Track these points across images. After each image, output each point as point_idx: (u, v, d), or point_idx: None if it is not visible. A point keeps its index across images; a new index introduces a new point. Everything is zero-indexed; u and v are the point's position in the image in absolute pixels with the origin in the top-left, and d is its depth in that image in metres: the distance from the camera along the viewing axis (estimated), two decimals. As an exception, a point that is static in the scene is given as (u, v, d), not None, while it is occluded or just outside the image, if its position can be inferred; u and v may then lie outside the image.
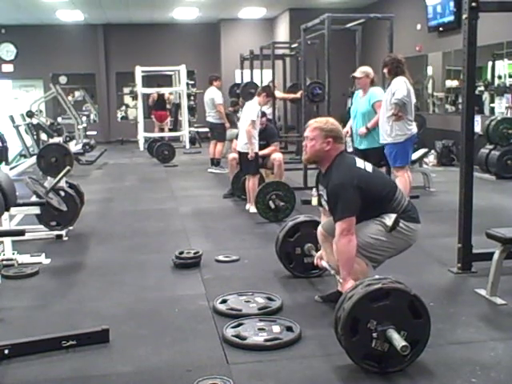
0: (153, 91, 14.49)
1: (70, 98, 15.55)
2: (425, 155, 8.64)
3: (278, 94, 11.22)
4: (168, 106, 14.89)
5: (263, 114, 7.13)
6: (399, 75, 5.89)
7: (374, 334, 2.76)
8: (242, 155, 6.72)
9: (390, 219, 3.33)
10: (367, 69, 6.37)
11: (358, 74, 6.35)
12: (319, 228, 3.71)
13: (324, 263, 3.75)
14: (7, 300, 4.01)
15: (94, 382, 2.88)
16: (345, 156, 3.46)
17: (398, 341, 2.70)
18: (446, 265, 4.45)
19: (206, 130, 14.30)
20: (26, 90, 16.92)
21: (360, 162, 3.46)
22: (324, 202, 3.51)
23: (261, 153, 6.83)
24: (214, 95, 10.15)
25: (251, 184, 6.54)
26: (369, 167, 3.47)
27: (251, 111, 6.56)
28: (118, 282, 4.34)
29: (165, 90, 14.71)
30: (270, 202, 6.07)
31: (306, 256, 4.17)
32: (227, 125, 10.29)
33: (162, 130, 14.59)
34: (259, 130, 7.21)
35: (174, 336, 3.34)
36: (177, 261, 4.61)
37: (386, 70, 6.04)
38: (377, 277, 2.99)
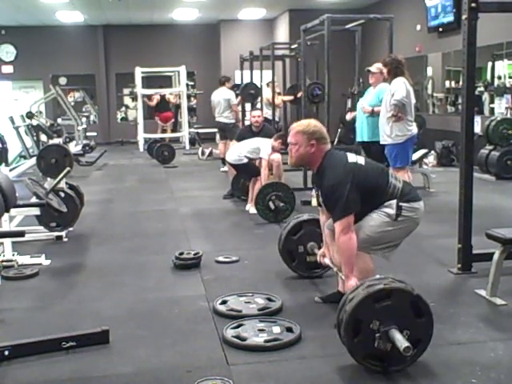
0: (152, 92, 14.49)
1: (70, 98, 15.59)
2: (425, 156, 8.63)
3: (278, 100, 11.37)
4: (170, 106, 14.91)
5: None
6: (399, 76, 5.89)
7: (377, 335, 2.76)
8: (236, 166, 6.80)
9: (391, 208, 3.31)
10: (381, 67, 6.42)
11: (373, 68, 6.44)
12: (326, 229, 3.68)
13: (327, 260, 3.74)
14: (7, 301, 4.01)
15: (94, 383, 2.87)
16: (334, 153, 3.43)
17: (401, 341, 2.70)
18: (445, 265, 4.45)
19: (206, 131, 14.38)
20: (25, 91, 16.91)
21: (351, 157, 3.43)
22: (321, 202, 3.51)
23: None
24: (230, 96, 10.21)
25: (258, 184, 6.53)
26: (361, 160, 3.45)
27: (264, 149, 6.54)
28: (118, 283, 4.34)
29: (165, 91, 14.70)
30: (270, 203, 6.07)
31: (309, 254, 4.16)
32: (239, 124, 10.31)
33: (164, 130, 14.55)
34: (257, 131, 7.26)
35: (174, 337, 3.34)
36: (177, 262, 4.61)
37: (385, 71, 6.05)
38: (378, 276, 2.99)
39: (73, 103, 15.95)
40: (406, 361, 2.83)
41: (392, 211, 3.31)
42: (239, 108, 11.03)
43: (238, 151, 6.70)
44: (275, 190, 6.13)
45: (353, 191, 3.23)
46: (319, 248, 3.97)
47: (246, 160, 6.63)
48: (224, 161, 10.20)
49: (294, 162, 3.49)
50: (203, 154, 12.11)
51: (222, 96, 10.24)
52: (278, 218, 6.08)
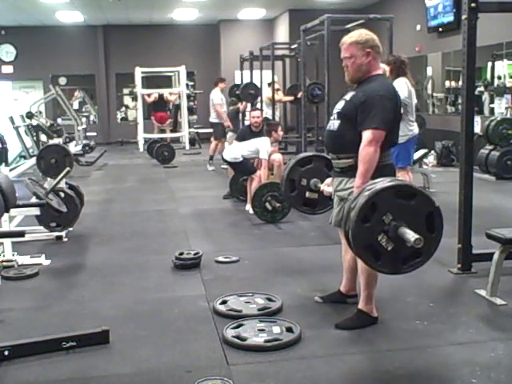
0: (152, 92, 14.48)
1: (74, 98, 15.57)
2: (425, 156, 8.63)
3: (278, 95, 11.40)
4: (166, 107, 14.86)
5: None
6: (401, 76, 5.88)
7: (386, 227, 2.74)
8: (233, 164, 6.81)
9: None
10: (384, 66, 6.40)
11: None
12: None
13: (329, 189, 3.64)
14: (7, 301, 4.01)
15: (94, 383, 2.87)
16: (386, 77, 3.46)
17: (412, 234, 2.69)
18: (445, 265, 4.45)
19: (206, 131, 14.37)
20: (25, 92, 16.91)
21: None
22: (336, 115, 3.34)
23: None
24: (213, 96, 10.49)
25: (256, 183, 6.52)
26: None
27: (263, 149, 6.53)
28: (118, 283, 4.34)
29: (164, 91, 14.68)
30: (267, 204, 6.06)
31: (310, 190, 4.16)
32: (226, 124, 10.34)
33: (162, 131, 14.52)
34: (257, 131, 7.26)
35: (174, 337, 3.34)
36: (177, 262, 4.61)
37: (388, 69, 6.04)
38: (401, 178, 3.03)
39: (77, 105, 15.99)
40: (401, 269, 2.84)
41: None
42: (241, 109, 11.10)
43: (235, 152, 6.69)
44: (270, 190, 6.10)
45: (392, 110, 3.18)
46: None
47: (241, 159, 6.62)
48: (212, 158, 10.36)
49: (351, 76, 3.32)
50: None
51: (211, 96, 10.62)
52: (276, 218, 6.08)
